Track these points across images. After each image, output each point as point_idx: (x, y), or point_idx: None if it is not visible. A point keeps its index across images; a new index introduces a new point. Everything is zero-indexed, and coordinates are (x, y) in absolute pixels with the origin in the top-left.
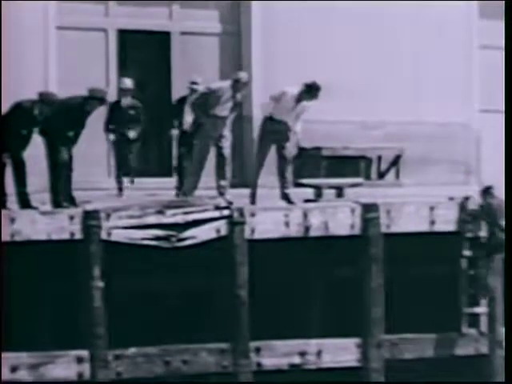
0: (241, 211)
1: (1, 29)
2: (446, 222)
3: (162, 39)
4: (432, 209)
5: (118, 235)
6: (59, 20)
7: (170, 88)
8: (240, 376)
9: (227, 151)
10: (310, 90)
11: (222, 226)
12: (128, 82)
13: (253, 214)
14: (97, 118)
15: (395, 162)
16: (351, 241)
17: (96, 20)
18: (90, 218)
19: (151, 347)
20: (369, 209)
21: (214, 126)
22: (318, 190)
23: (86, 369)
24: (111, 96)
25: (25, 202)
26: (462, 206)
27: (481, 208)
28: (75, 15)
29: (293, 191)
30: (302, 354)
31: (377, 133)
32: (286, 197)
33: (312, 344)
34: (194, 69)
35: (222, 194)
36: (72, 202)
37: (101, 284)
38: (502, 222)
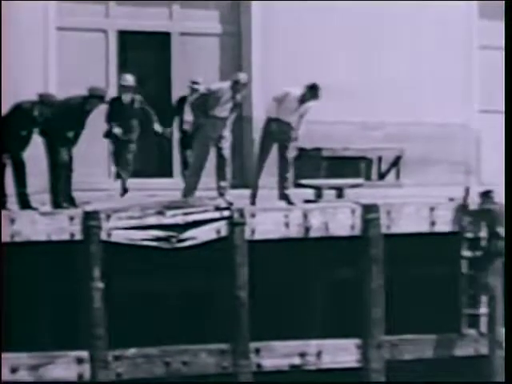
0: (241, 212)
1: (1, 29)
2: (446, 222)
3: (162, 40)
4: (432, 209)
5: (118, 236)
6: (59, 20)
7: (170, 88)
8: (240, 377)
9: (227, 152)
10: (312, 91)
11: (222, 227)
12: (129, 79)
13: (253, 215)
14: (97, 119)
15: (395, 162)
16: (351, 241)
17: (96, 21)
18: (90, 219)
19: (151, 348)
20: (369, 209)
21: (213, 127)
22: (318, 190)
23: (86, 369)
24: (111, 95)
25: (25, 203)
26: (462, 206)
27: (481, 211)
28: (75, 16)
29: (293, 192)
30: (302, 354)
31: (377, 133)
32: (285, 197)
33: (312, 345)
34: (194, 69)
35: (222, 195)
36: (72, 202)
37: (101, 285)
38: (502, 230)
